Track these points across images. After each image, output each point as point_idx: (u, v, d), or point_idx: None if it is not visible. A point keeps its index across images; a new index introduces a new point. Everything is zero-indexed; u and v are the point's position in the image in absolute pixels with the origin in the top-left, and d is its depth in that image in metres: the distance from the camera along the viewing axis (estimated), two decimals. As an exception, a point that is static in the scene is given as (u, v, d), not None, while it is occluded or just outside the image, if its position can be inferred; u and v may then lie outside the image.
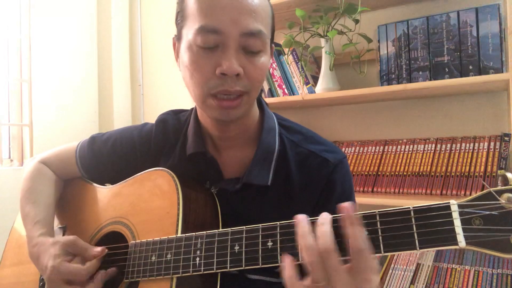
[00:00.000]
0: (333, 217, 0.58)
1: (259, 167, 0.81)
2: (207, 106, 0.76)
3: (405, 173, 1.57)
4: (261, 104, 0.90)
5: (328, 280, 0.54)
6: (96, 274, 0.81)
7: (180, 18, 0.78)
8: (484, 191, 0.46)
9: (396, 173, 1.59)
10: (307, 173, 0.82)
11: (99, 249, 0.83)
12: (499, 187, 0.45)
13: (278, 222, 0.64)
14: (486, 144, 1.48)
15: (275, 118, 0.89)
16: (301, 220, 0.58)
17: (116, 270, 0.83)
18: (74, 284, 0.80)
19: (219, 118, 0.77)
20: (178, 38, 0.80)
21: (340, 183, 0.82)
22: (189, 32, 0.74)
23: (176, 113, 0.96)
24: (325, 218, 0.57)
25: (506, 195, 0.44)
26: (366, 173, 1.65)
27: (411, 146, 1.62)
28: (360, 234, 0.54)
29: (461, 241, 0.48)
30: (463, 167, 1.47)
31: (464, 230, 0.49)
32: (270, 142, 0.84)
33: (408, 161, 1.59)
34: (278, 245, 0.62)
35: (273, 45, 0.85)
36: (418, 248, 0.51)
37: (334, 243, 0.54)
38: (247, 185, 0.81)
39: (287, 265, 0.58)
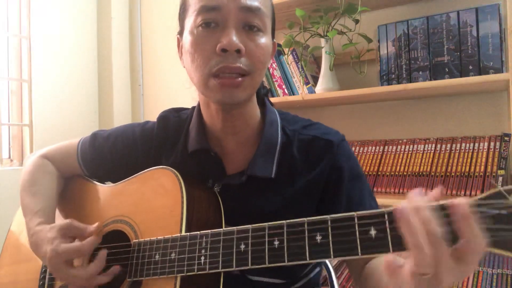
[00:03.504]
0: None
1: (262, 159, 0.82)
2: (209, 89, 0.75)
3: (405, 173, 1.57)
4: (263, 101, 0.90)
5: (435, 265, 0.49)
6: (99, 253, 0.80)
7: (182, 10, 0.80)
8: (493, 190, 0.46)
9: (396, 173, 1.59)
10: (313, 156, 0.83)
11: (95, 224, 0.83)
12: (509, 186, 0.45)
13: (285, 221, 0.63)
14: (486, 144, 1.48)
15: (277, 112, 0.90)
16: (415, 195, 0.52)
17: (119, 268, 0.82)
18: (77, 264, 0.78)
19: (222, 101, 0.76)
20: (180, 32, 0.82)
21: (346, 161, 0.82)
22: (190, 19, 0.76)
23: (177, 110, 0.97)
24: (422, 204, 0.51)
25: (515, 193, 0.44)
26: (366, 173, 1.65)
27: (411, 146, 1.62)
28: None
29: None
30: (463, 167, 1.48)
31: None
32: (272, 134, 0.84)
33: (408, 161, 1.59)
34: (285, 244, 0.61)
35: (275, 41, 0.86)
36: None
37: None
38: (252, 178, 0.81)
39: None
